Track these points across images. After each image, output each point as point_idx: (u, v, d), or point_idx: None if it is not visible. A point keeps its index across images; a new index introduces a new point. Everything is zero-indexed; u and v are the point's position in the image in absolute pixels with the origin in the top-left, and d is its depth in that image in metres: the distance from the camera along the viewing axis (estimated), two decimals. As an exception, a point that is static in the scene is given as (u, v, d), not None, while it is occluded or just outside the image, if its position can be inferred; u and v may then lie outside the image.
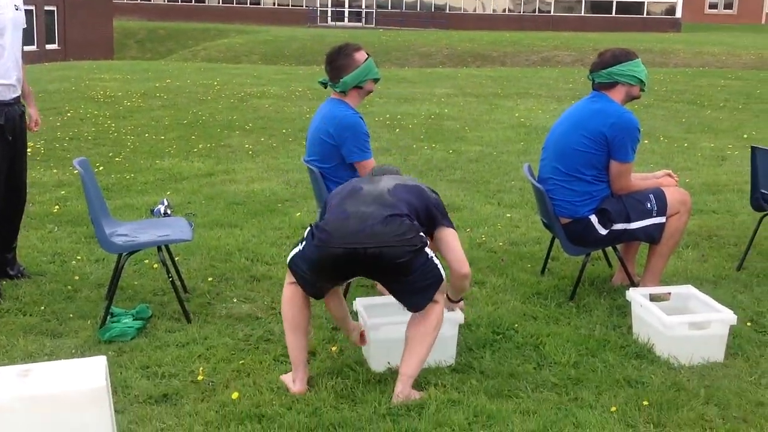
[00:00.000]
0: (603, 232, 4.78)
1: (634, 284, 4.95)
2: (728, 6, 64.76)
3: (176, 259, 5.36)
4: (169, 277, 4.55)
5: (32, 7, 33.04)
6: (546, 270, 5.42)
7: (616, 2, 51.96)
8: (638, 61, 4.83)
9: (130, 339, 4.33)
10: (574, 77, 18.63)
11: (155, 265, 5.35)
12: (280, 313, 3.96)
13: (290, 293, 3.75)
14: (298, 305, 3.74)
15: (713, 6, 65.01)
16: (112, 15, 38.16)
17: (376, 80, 4.81)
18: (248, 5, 57.21)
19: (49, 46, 34.09)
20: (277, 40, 35.95)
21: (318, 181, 4.77)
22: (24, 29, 5.07)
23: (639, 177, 5.03)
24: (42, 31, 33.74)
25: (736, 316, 4.13)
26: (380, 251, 3.48)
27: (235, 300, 4.88)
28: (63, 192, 7.44)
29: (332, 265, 3.56)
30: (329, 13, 56.67)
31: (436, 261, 3.66)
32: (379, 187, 3.74)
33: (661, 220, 4.81)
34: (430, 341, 3.66)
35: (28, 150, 5.35)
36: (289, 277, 3.77)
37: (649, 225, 4.81)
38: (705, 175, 8.53)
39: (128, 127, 11.03)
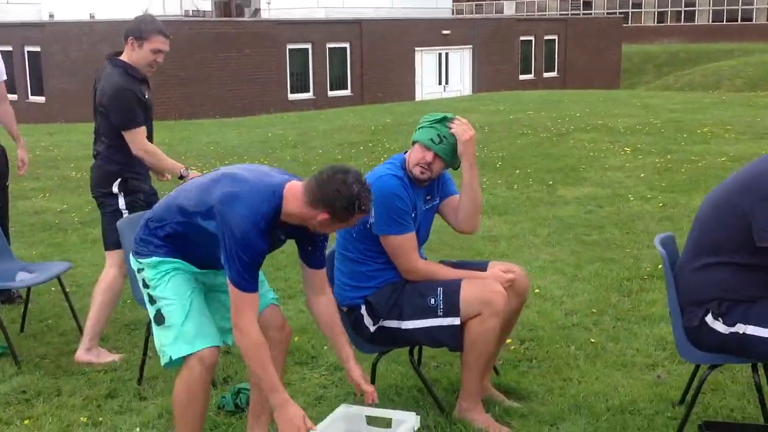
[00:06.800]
0: (371, 327, 3.79)
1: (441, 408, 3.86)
2: None
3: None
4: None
5: (531, 38, 34.68)
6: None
7: None
8: None
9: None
10: None
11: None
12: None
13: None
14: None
15: None
16: (620, 41, 38.01)
17: None
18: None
19: (546, 75, 35.34)
20: (768, 62, 31.94)
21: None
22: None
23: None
24: (540, 60, 35.17)
25: None
26: None
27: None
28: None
29: None
30: None
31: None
32: None
33: (452, 321, 3.65)
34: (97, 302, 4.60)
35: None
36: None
37: (433, 327, 3.68)
38: None
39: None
